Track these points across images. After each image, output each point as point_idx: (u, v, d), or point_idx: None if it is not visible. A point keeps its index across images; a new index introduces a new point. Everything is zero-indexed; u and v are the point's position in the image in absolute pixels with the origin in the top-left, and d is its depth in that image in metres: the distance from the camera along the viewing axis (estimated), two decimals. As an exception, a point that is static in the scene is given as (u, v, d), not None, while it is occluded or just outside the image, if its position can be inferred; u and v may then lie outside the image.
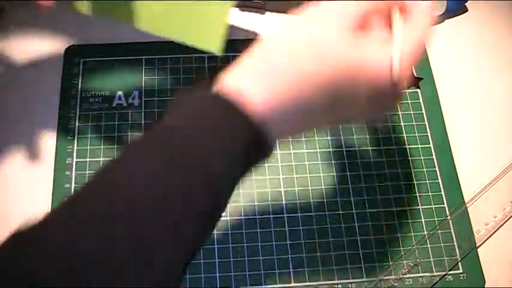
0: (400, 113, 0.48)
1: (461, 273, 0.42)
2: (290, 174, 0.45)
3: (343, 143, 0.46)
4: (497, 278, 0.42)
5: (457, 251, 0.43)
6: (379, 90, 0.28)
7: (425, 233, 0.43)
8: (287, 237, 0.42)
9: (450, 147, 0.47)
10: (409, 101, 0.49)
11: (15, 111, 0.46)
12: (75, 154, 0.44)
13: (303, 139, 0.46)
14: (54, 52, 0.48)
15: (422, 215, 0.44)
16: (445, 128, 0.48)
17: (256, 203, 0.43)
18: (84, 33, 0.50)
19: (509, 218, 0.45)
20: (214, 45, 0.34)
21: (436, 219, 0.44)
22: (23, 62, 0.48)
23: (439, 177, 0.46)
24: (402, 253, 0.42)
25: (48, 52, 0.49)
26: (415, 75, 0.48)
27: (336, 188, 0.45)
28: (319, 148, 0.46)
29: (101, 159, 0.44)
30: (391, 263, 0.42)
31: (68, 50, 0.49)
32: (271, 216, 0.43)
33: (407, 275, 0.42)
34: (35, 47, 0.49)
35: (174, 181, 0.24)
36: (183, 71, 0.49)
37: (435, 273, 0.42)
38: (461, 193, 0.45)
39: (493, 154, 0.48)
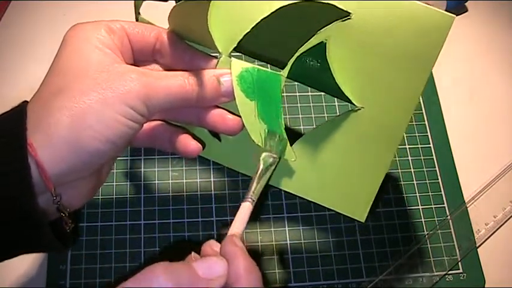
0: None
1: (461, 273, 0.42)
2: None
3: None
4: (497, 278, 0.42)
5: (457, 251, 0.43)
6: None
7: (425, 233, 0.43)
8: (287, 236, 0.42)
9: (450, 147, 0.47)
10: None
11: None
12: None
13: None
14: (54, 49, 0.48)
15: (422, 215, 0.44)
16: (445, 128, 0.48)
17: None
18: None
19: (509, 218, 0.45)
20: (359, 214, 0.35)
21: (436, 219, 0.44)
22: (24, 57, 0.48)
23: (439, 177, 0.46)
24: (402, 253, 0.42)
25: (48, 49, 0.49)
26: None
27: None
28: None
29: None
30: (391, 263, 0.42)
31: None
32: (271, 216, 0.43)
33: (407, 275, 0.42)
34: (35, 42, 0.49)
35: None
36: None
37: (435, 273, 0.42)
38: (461, 193, 0.45)
39: (493, 154, 0.48)
